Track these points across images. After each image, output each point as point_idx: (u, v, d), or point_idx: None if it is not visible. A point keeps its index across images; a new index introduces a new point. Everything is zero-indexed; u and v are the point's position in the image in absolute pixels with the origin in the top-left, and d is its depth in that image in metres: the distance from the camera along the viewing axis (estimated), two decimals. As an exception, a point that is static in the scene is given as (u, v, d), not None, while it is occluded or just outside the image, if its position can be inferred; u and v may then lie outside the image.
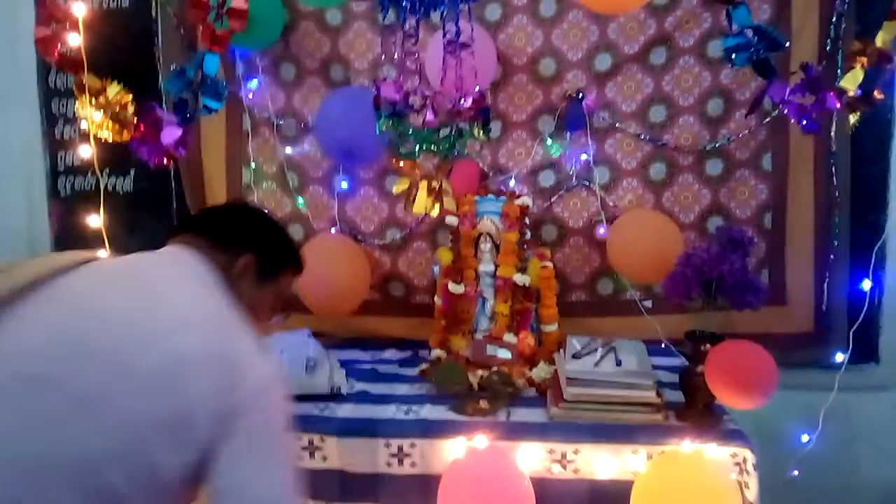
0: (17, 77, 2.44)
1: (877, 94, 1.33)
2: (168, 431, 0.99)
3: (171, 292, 1.11)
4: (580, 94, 2.15)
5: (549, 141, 2.20)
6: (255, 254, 1.25)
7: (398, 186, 1.38)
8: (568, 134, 2.20)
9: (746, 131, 2.12)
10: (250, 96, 2.27)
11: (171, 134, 1.34)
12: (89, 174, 2.42)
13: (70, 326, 1.02)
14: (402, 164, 1.34)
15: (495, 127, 2.23)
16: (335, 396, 1.87)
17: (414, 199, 1.34)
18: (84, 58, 1.38)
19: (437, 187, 1.33)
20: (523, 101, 2.21)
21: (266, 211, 1.42)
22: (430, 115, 1.24)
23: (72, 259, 1.13)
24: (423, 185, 1.33)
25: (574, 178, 2.22)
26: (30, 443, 0.94)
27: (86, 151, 1.74)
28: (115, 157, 2.32)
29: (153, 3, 2.27)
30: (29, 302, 1.04)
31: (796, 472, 1.93)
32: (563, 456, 1.65)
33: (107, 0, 2.33)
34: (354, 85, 2.21)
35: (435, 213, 1.39)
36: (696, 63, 2.12)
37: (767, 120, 2.11)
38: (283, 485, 1.06)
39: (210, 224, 1.29)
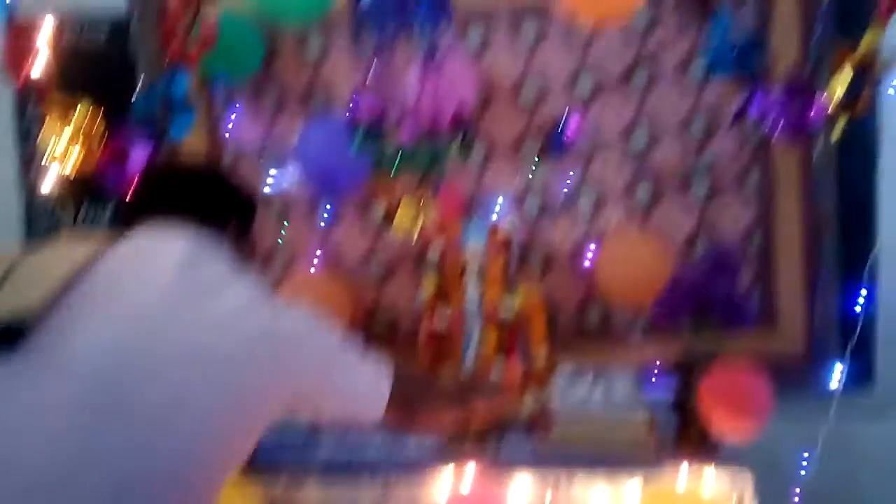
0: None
1: (863, 100, 1.30)
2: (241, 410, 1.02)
3: (210, 282, 1.07)
4: (563, 118, 2.14)
5: (533, 166, 2.18)
6: (234, 218, 1.26)
7: (378, 209, 1.34)
8: (552, 158, 2.17)
9: (730, 153, 2.10)
10: (230, 126, 2.24)
11: (138, 158, 1.30)
12: (68, 209, 2.37)
13: (131, 336, 0.97)
14: (380, 184, 1.30)
15: (478, 152, 2.21)
16: (313, 434, 1.81)
17: (394, 220, 1.30)
18: (52, 80, 1.35)
19: (419, 205, 1.28)
20: (506, 125, 2.19)
21: (208, 163, 1.41)
22: (407, 132, 1.20)
23: (85, 252, 1.06)
24: (405, 202, 1.29)
25: (560, 203, 2.19)
26: (112, 465, 0.90)
27: (52, 176, 1.70)
28: (92, 199, 2.31)
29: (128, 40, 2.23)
30: (69, 311, 0.98)
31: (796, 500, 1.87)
32: (555, 488, 1.59)
33: (84, 36, 2.31)
34: (335, 114, 2.18)
35: (416, 231, 1.35)
36: (678, 85, 2.11)
37: (751, 141, 2.09)
38: (370, 382, 1.18)
39: (185, 203, 1.20)
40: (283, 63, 2.21)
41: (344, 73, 2.17)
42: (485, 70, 2.15)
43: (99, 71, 2.22)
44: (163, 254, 1.08)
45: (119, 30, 2.24)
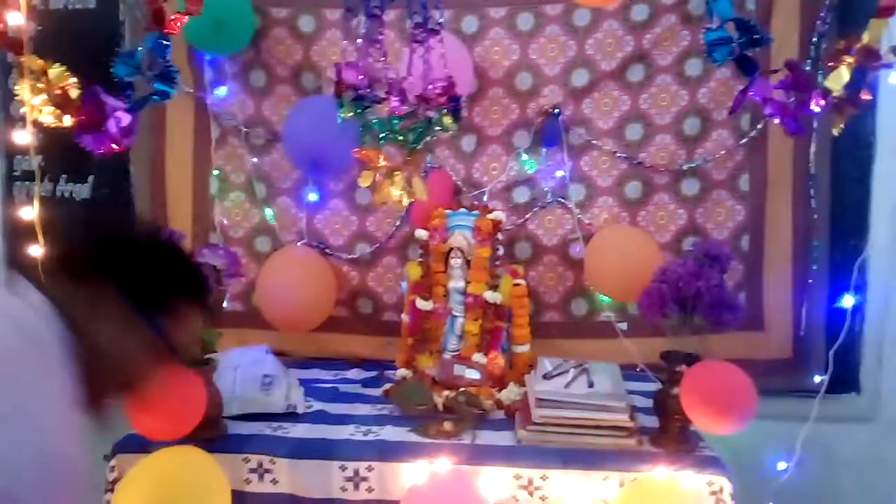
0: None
1: (863, 95, 1.27)
2: None
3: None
4: (556, 110, 2.11)
5: (525, 156, 2.15)
6: (113, 283, 1.00)
7: (363, 180, 1.30)
8: (543, 150, 2.14)
9: (723, 151, 2.08)
10: (218, 102, 2.21)
11: (117, 121, 1.26)
12: (46, 180, 2.32)
13: None
14: (366, 154, 1.26)
15: (470, 141, 2.18)
16: (290, 415, 1.77)
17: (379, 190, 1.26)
18: (25, 38, 1.31)
19: (407, 177, 1.25)
20: (499, 115, 2.16)
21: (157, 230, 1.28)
22: (395, 101, 1.16)
23: None
24: (390, 173, 1.25)
25: (549, 195, 2.16)
26: None
27: (24, 138, 1.64)
28: (73, 162, 2.27)
29: (119, 4, 2.20)
30: None
31: (771, 504, 1.85)
32: (531, 482, 1.55)
33: (72, 1, 2.26)
34: (325, 94, 2.15)
35: (405, 202, 1.31)
36: (674, 82, 2.09)
37: (745, 140, 2.07)
38: None
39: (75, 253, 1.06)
40: (274, 41, 2.17)
41: (335, 53, 2.14)
42: (479, 58, 2.12)
43: (87, 35, 2.18)
44: None
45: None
